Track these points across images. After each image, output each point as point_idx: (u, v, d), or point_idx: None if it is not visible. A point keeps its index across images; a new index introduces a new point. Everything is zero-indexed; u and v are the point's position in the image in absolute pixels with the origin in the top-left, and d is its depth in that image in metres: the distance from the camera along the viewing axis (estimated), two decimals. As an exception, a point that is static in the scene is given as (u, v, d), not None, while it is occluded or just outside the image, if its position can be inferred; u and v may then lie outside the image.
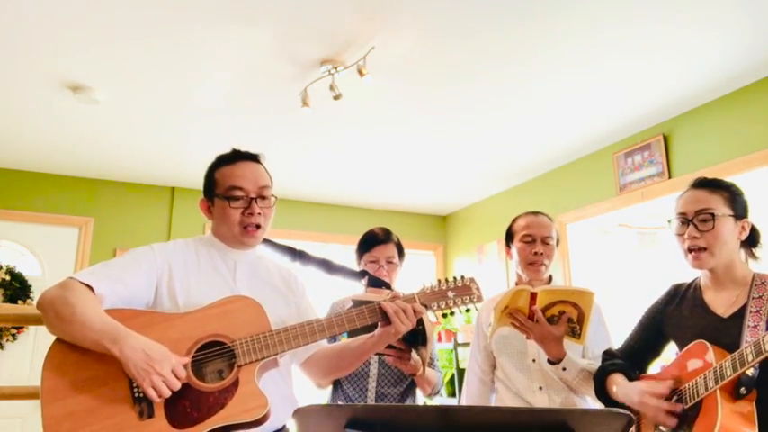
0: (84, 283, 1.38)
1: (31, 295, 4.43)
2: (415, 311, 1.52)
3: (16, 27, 2.72)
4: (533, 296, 1.80)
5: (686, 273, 1.76)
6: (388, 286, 1.84)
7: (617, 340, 2.03)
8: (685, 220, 1.61)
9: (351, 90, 3.26)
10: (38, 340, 4.36)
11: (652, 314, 1.77)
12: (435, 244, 6.04)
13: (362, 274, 1.88)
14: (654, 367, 1.81)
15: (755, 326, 1.47)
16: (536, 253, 2.04)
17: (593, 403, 1.96)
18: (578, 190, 4.45)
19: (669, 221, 1.67)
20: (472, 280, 1.61)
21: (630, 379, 1.68)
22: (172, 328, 1.40)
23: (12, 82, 3.25)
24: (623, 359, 1.76)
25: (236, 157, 1.65)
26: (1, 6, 2.55)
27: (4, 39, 2.82)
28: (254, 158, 1.67)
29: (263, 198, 1.62)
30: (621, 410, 0.91)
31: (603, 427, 0.91)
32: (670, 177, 3.73)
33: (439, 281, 1.60)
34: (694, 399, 1.47)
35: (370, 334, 1.59)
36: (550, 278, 2.12)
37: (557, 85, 3.32)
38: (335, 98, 3.14)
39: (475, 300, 1.59)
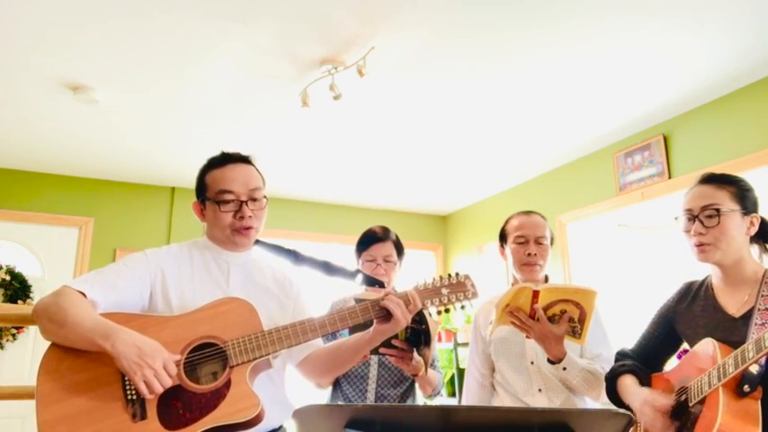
0: (77, 291, 1.39)
1: (31, 295, 4.43)
2: (412, 303, 1.52)
3: (16, 27, 2.72)
4: (536, 294, 1.78)
5: (690, 272, 1.75)
6: (381, 285, 1.83)
7: (616, 340, 2.03)
8: (691, 216, 1.59)
9: (351, 90, 3.26)
10: (38, 340, 4.35)
11: (664, 312, 1.75)
12: (435, 244, 6.04)
13: (356, 273, 1.87)
14: (668, 366, 1.78)
15: (763, 323, 1.44)
16: (529, 254, 2.01)
17: (592, 404, 1.95)
18: (578, 190, 4.44)
19: (676, 218, 1.65)
20: (467, 276, 1.60)
21: (641, 380, 1.66)
22: (165, 330, 1.40)
23: (12, 82, 3.25)
24: (636, 359, 1.74)
25: (226, 159, 1.63)
26: (0, 6, 2.55)
27: (3, 39, 2.81)
28: (244, 160, 1.65)
29: (254, 200, 1.60)
30: (621, 410, 0.91)
31: (603, 427, 0.91)
32: (670, 177, 3.73)
33: (433, 278, 1.59)
34: (698, 397, 1.45)
35: (366, 331, 1.58)
36: (546, 278, 2.09)
37: (557, 85, 3.32)
38: (335, 98, 3.14)
39: (470, 296, 1.58)
